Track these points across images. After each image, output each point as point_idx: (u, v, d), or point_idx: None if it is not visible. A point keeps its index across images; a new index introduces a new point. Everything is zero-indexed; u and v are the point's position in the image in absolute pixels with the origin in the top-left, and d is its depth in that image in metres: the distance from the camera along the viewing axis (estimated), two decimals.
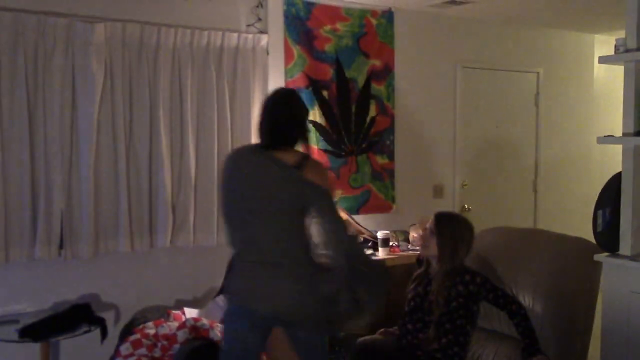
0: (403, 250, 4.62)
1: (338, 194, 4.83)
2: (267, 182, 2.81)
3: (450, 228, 3.13)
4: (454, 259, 3.08)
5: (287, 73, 4.68)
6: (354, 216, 4.81)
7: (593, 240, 3.25)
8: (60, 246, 3.82)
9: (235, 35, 4.34)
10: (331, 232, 2.76)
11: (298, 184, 2.76)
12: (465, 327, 3.01)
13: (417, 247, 4.37)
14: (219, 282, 4.24)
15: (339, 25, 4.89)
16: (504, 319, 3.15)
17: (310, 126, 3.36)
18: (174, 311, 3.91)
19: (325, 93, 4.85)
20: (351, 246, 2.87)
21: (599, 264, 3.11)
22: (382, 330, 3.44)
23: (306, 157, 2.84)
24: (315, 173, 2.79)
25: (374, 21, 5.07)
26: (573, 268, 3.05)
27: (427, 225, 3.21)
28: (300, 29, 4.70)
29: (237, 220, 2.85)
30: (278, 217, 2.77)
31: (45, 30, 3.70)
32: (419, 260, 3.37)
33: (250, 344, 2.83)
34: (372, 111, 5.10)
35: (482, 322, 3.25)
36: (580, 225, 4.70)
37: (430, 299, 3.07)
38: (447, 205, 5.52)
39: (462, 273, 3.07)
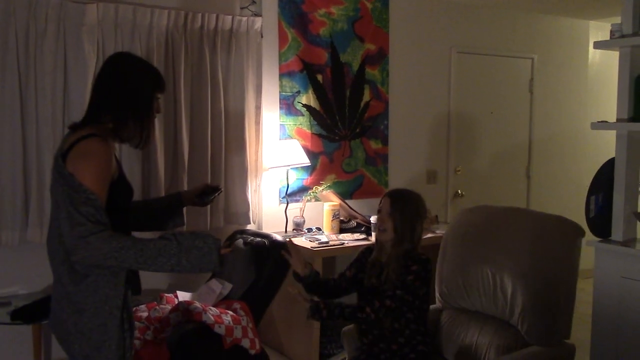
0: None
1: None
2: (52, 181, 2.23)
3: (406, 205, 2.88)
4: (413, 238, 2.86)
5: (281, 56, 4.65)
6: (347, 201, 4.80)
7: (585, 226, 3.25)
8: None
9: (230, 18, 4.30)
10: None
11: (57, 176, 2.14)
12: (423, 312, 2.89)
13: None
14: None
15: (333, 9, 4.86)
16: (485, 299, 3.14)
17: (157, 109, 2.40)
18: (166, 294, 3.91)
19: (319, 77, 4.83)
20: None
21: (579, 243, 3.04)
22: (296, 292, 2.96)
23: (85, 137, 2.11)
24: (74, 158, 2.09)
25: (369, 5, 5.04)
26: (553, 248, 2.99)
27: (380, 207, 2.93)
28: (295, 12, 4.67)
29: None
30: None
31: (36, 11, 3.66)
32: (370, 248, 3.08)
33: None
34: (367, 96, 5.08)
35: (465, 303, 3.25)
36: (573, 210, 4.72)
37: (384, 288, 2.84)
38: (441, 190, 5.53)
39: (409, 259, 2.83)
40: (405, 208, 2.88)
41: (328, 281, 3.05)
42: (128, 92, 2.21)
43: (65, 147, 2.13)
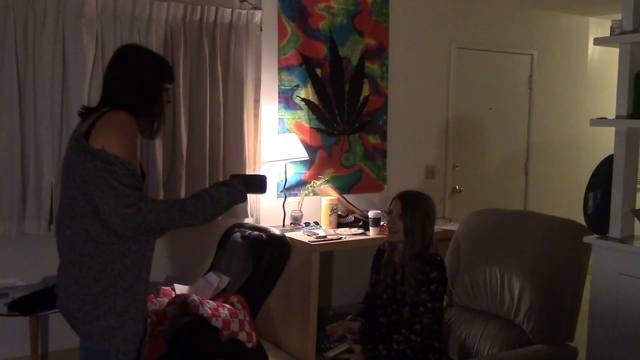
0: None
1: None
2: (65, 162, 2.26)
3: (417, 208, 2.94)
4: (424, 239, 2.92)
5: (281, 50, 4.64)
6: (345, 195, 4.80)
7: (583, 222, 3.25)
8: (50, 221, 3.80)
9: (229, 10, 4.29)
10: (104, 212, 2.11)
11: (81, 156, 2.14)
12: (438, 312, 2.92)
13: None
14: (209, 258, 4.24)
15: (333, 3, 4.85)
16: (491, 299, 3.17)
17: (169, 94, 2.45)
18: (163, 287, 3.91)
19: (318, 71, 4.82)
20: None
21: (587, 246, 3.11)
22: (349, 317, 3.18)
23: (100, 116, 2.16)
24: (102, 131, 2.12)
25: None
26: (561, 250, 3.05)
27: (391, 208, 3.00)
28: (294, 5, 4.66)
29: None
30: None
31: (35, 2, 3.65)
32: (381, 249, 3.15)
33: None
34: (366, 90, 5.08)
35: (471, 302, 3.26)
36: (571, 207, 4.73)
37: (402, 289, 2.93)
38: (439, 186, 5.54)
39: (426, 262, 2.90)
40: (415, 210, 2.94)
41: (365, 312, 3.12)
42: (136, 83, 2.26)
43: (84, 128, 2.17)
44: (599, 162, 3.35)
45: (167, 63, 2.40)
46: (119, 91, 2.25)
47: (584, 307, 3.18)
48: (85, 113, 2.26)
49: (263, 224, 4.45)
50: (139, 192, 2.14)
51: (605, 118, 3.37)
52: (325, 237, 4.28)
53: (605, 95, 6.06)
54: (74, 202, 2.17)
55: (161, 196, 4.10)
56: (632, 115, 3.20)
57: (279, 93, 4.67)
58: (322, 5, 4.79)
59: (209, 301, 3.62)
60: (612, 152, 3.30)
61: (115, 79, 2.27)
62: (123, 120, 2.16)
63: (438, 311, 2.90)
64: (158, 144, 4.06)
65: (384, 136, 5.21)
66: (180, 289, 3.92)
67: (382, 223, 4.52)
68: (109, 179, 2.08)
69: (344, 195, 4.79)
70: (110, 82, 2.29)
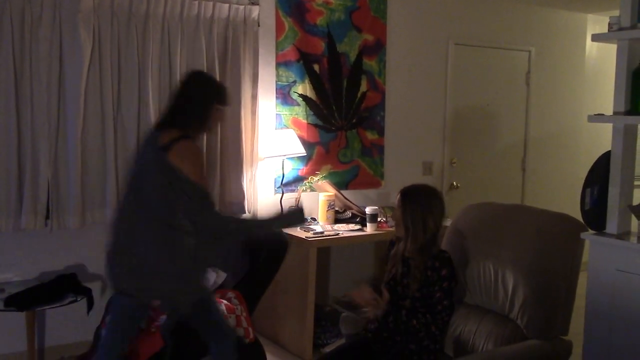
0: (391, 226, 4.63)
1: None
2: (140, 165, 2.88)
3: (416, 202, 2.93)
4: (425, 233, 2.90)
5: (278, 46, 4.63)
6: (342, 191, 4.80)
7: (580, 218, 3.26)
8: (47, 216, 3.80)
9: (227, 6, 4.28)
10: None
11: (161, 166, 2.73)
12: (452, 308, 2.92)
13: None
14: None
15: None
16: (485, 293, 3.16)
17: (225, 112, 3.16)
18: None
19: (316, 67, 4.82)
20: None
21: (581, 240, 3.10)
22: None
23: (179, 139, 2.75)
24: (179, 156, 2.71)
25: None
26: (555, 244, 3.03)
27: (397, 203, 3.01)
28: (292, 1, 4.65)
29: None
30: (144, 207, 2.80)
31: None
32: (392, 241, 3.17)
33: None
34: (363, 86, 5.07)
35: (465, 296, 3.26)
36: (568, 203, 4.73)
37: (405, 282, 2.93)
38: (436, 182, 5.53)
39: (434, 257, 2.89)
40: (413, 203, 2.93)
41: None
42: (193, 104, 2.85)
43: (162, 142, 2.72)
44: (596, 158, 3.35)
45: (222, 87, 3.03)
46: (180, 110, 2.84)
47: (581, 302, 3.19)
48: (160, 128, 2.83)
49: None
50: (206, 203, 2.79)
51: (603, 114, 3.38)
52: (322, 233, 4.28)
53: (603, 91, 6.04)
54: (149, 200, 2.75)
55: None
56: (629, 112, 3.20)
57: (276, 89, 4.67)
58: (320, 1, 4.78)
59: None
60: (609, 148, 3.30)
61: (178, 99, 2.89)
62: (195, 153, 2.81)
63: (452, 308, 2.91)
64: None
65: (381, 132, 5.21)
66: None
67: (379, 219, 4.52)
68: (190, 191, 2.72)
69: (342, 191, 4.79)
70: (175, 101, 2.91)
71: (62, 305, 3.61)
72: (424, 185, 3.07)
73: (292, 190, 4.73)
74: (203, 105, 2.87)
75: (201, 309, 2.98)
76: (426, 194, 2.99)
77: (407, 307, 2.91)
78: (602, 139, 4.28)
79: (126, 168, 3.99)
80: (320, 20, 4.80)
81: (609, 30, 3.25)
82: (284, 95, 4.70)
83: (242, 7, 4.35)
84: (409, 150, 5.41)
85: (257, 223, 3.07)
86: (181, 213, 2.73)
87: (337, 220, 4.62)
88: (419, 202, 2.94)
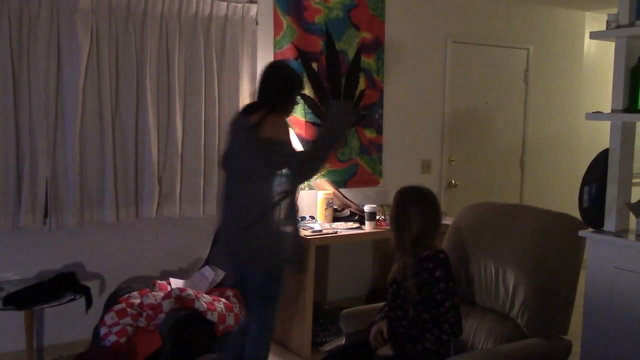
0: (389, 225, 4.63)
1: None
2: (236, 144, 3.25)
3: (404, 202, 2.91)
4: (411, 233, 2.85)
5: (276, 44, 4.63)
6: (341, 189, 4.80)
7: (578, 216, 3.26)
8: (45, 215, 3.80)
9: (224, 4, 4.28)
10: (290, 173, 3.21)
11: (255, 142, 3.08)
12: (458, 307, 2.87)
13: None
14: (204, 253, 4.24)
15: None
16: (486, 292, 3.17)
17: (299, 99, 3.47)
18: (159, 281, 3.91)
19: (314, 65, 4.81)
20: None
21: (582, 240, 3.13)
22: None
23: (266, 115, 3.10)
24: (271, 126, 3.07)
25: None
26: (557, 243, 3.06)
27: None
28: None
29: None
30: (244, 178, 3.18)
31: None
32: None
33: None
34: (362, 84, 5.07)
35: (465, 295, 3.26)
36: (566, 201, 4.73)
37: (405, 285, 2.88)
38: (435, 180, 5.54)
39: (427, 259, 2.81)
40: (402, 205, 2.93)
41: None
42: (275, 91, 3.19)
43: (252, 122, 3.11)
44: (594, 156, 3.35)
45: (298, 76, 3.48)
46: (265, 96, 3.22)
47: (579, 300, 3.20)
48: (248, 110, 3.24)
49: None
50: (294, 153, 3.21)
51: (601, 112, 3.38)
52: (320, 231, 4.28)
53: (601, 89, 6.06)
54: (254, 171, 3.13)
55: (156, 190, 4.10)
56: (627, 110, 3.21)
57: None
58: None
59: (205, 295, 3.63)
60: (607, 146, 3.30)
61: (262, 87, 3.25)
62: (283, 122, 3.23)
63: (456, 308, 2.82)
64: (153, 139, 4.05)
65: (379, 130, 5.21)
66: (176, 283, 3.92)
67: (377, 217, 4.52)
68: (285, 152, 3.13)
69: (340, 190, 4.79)
70: (260, 89, 3.27)
71: (60, 304, 3.60)
72: (416, 186, 3.01)
73: None
74: (282, 91, 3.21)
75: (274, 278, 3.23)
76: (417, 195, 2.96)
77: (411, 314, 2.86)
78: (601, 136, 4.28)
79: (125, 167, 4.01)
80: (318, 18, 4.80)
81: (607, 28, 3.25)
82: None
83: (240, 5, 4.35)
84: (408, 148, 5.41)
85: (325, 137, 3.26)
86: (277, 167, 3.13)
87: (335, 219, 4.62)
88: (406, 202, 2.92)
